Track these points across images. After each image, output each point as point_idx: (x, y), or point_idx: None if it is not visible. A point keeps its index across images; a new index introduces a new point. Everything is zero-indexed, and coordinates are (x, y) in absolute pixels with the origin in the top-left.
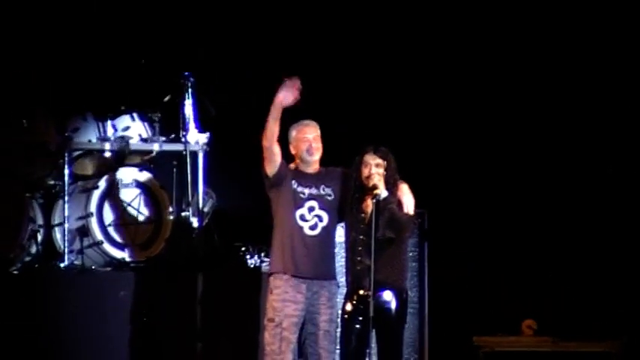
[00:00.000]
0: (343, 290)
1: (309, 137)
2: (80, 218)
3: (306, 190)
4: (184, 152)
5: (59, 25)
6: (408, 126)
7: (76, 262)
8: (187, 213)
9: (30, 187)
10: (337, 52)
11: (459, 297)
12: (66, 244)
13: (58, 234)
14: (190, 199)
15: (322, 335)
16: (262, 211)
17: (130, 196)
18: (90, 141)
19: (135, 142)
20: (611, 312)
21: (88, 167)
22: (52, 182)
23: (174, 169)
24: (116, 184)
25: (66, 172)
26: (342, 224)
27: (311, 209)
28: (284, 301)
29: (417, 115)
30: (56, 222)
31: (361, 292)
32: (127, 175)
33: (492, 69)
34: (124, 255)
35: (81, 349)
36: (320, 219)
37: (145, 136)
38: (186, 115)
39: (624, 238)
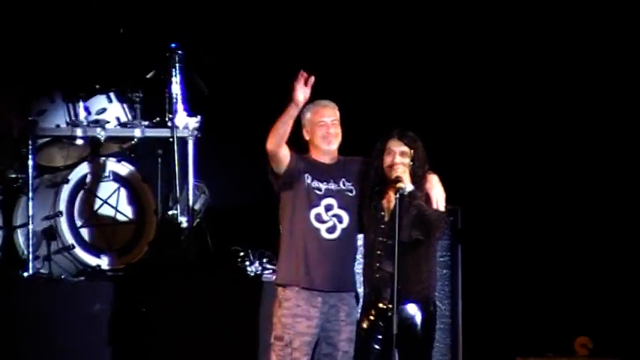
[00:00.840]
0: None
1: (326, 121)
2: (47, 218)
3: (323, 186)
4: (171, 139)
5: None
6: (438, 108)
7: (42, 271)
8: (175, 211)
9: None
10: (353, 22)
11: (499, 310)
12: (30, 250)
13: (20, 237)
14: (178, 194)
15: (341, 357)
16: (264, 209)
17: (107, 191)
18: (58, 126)
19: (112, 128)
20: None
21: (56, 157)
22: (13, 175)
23: (160, 160)
24: (90, 177)
25: (30, 163)
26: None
27: (328, 208)
28: (295, 317)
29: (448, 96)
30: (18, 223)
31: (381, 304)
32: (103, 166)
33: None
34: (99, 262)
35: None
36: (339, 219)
37: (123, 120)
38: (174, 95)
39: None
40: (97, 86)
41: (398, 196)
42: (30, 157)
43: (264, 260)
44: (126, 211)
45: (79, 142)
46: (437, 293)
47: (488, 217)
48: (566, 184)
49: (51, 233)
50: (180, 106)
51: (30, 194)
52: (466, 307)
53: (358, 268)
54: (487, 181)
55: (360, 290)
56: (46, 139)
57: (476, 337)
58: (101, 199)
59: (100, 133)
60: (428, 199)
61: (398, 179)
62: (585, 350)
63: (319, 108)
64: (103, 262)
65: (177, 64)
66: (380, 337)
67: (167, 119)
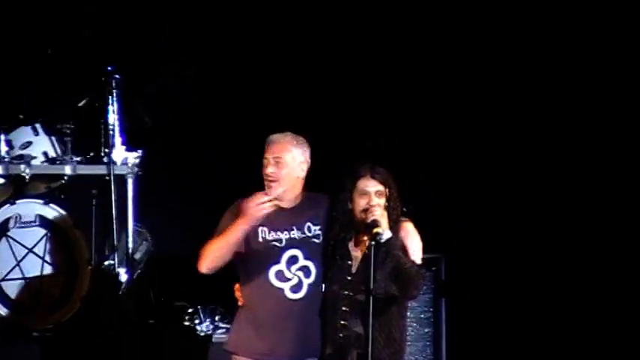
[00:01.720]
0: None
1: (268, 159)
2: None
3: (284, 236)
4: (107, 177)
5: None
6: (411, 128)
7: None
8: (112, 261)
9: None
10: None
11: None
12: None
13: None
14: (116, 242)
15: None
16: None
17: (32, 238)
18: None
19: (38, 164)
20: None
21: None
22: None
23: (94, 201)
24: (12, 222)
25: None
26: None
27: (292, 262)
28: None
29: (426, 127)
30: None
31: None
32: (28, 209)
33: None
34: (24, 321)
35: None
36: (306, 273)
37: (52, 155)
38: (110, 126)
39: None
40: (21, 116)
41: (374, 243)
42: None
43: (217, 318)
44: (55, 262)
45: (0, 180)
46: (417, 357)
47: (476, 267)
48: (557, 228)
49: None
50: (117, 139)
51: None
52: None
53: None
54: (473, 225)
55: None
56: None
57: None
58: (26, 247)
59: (25, 171)
60: (404, 249)
61: (375, 224)
62: None
63: (266, 144)
64: (28, 322)
65: (114, 91)
66: None
67: (103, 154)
